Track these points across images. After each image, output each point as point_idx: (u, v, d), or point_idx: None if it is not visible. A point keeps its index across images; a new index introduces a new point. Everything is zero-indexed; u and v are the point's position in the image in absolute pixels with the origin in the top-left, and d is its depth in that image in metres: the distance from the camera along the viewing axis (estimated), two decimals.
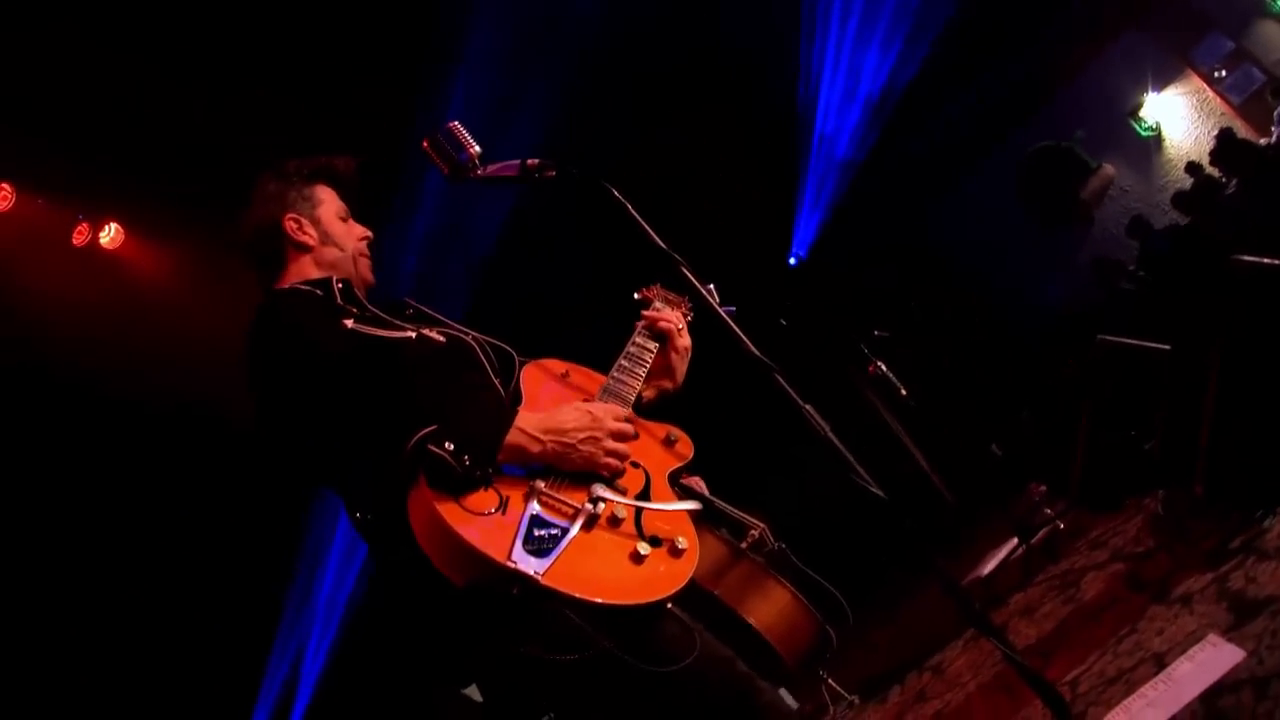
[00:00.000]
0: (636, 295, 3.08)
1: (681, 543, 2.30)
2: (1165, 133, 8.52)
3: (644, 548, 2.22)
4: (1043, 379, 7.87)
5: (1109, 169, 8.96)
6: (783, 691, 5.07)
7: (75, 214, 7.17)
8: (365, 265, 2.85)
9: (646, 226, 2.45)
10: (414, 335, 2.56)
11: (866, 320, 5.71)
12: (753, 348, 2.36)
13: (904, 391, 4.84)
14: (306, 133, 7.21)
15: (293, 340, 2.44)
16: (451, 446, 2.13)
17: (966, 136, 9.34)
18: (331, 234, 2.80)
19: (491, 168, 2.54)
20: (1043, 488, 5.37)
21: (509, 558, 2.05)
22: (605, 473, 2.33)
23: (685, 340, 2.89)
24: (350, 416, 2.27)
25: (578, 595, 2.06)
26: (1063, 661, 3.52)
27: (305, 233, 2.76)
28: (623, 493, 2.32)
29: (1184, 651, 3.07)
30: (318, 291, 2.68)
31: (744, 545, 4.70)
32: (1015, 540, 5.29)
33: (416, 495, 2.16)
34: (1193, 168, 8.19)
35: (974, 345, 8.61)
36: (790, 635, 4.55)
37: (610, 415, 2.39)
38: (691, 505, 2.43)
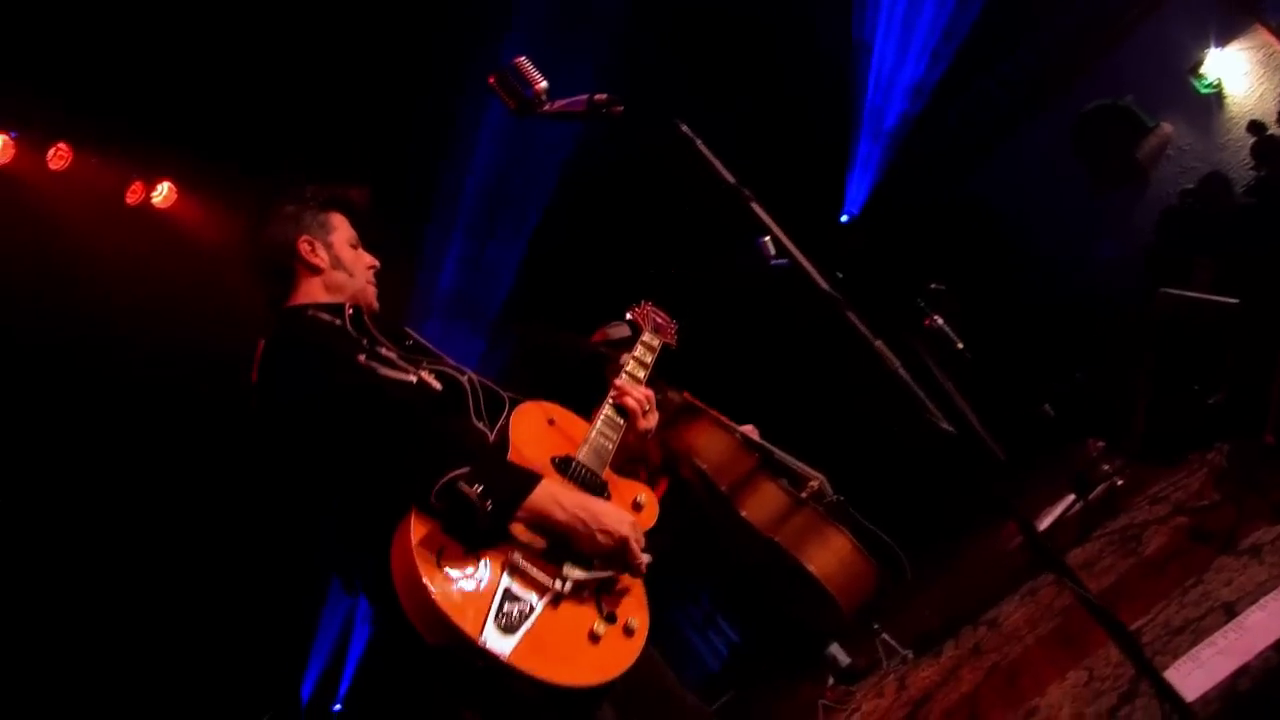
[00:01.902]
0: (628, 315, 3.17)
1: (633, 623, 2.38)
2: (1227, 90, 8.29)
3: (600, 626, 2.31)
4: (1095, 340, 7.77)
5: (1167, 127, 8.76)
6: (835, 646, 5.07)
7: (130, 173, 7.23)
8: (371, 293, 2.96)
9: (716, 162, 2.42)
10: (415, 380, 2.65)
11: (921, 276, 5.64)
12: (822, 281, 2.32)
13: (960, 345, 4.79)
14: (360, 82, 7.23)
15: (316, 368, 2.54)
16: (480, 489, 2.21)
17: (1020, 94, 9.18)
18: (342, 259, 2.90)
19: (558, 103, 2.52)
20: (1101, 444, 5.30)
21: (480, 636, 2.14)
22: (616, 560, 2.39)
23: (646, 424, 2.90)
24: (375, 449, 2.36)
25: (538, 676, 2.16)
26: (1125, 614, 3.48)
27: (318, 255, 2.86)
28: (589, 568, 2.37)
29: (1255, 601, 3.03)
30: (336, 321, 2.76)
31: (803, 495, 4.69)
32: (1072, 497, 5.24)
33: (400, 548, 2.23)
34: (1255, 126, 7.99)
35: (1025, 306, 8.51)
36: (849, 584, 4.54)
37: (638, 534, 2.46)
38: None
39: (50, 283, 6.73)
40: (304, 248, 2.84)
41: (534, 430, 2.66)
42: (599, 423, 2.75)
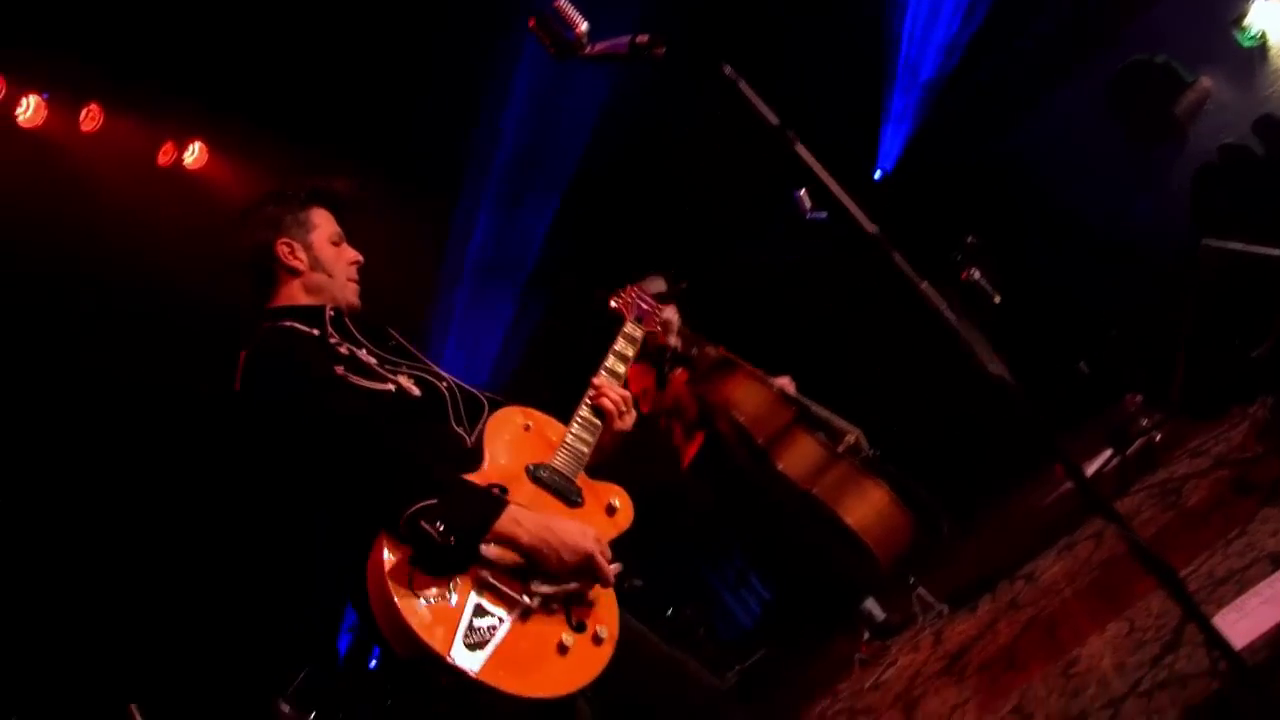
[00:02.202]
0: (612, 303, 3.16)
1: (602, 631, 2.43)
2: (1271, 42, 8.13)
3: (568, 638, 2.37)
4: (1131, 297, 7.68)
5: (1206, 82, 8.61)
6: (870, 601, 5.07)
7: (161, 134, 7.25)
8: (352, 290, 2.99)
9: (760, 104, 2.39)
10: (393, 389, 2.71)
11: (955, 232, 5.58)
12: (867, 222, 2.30)
13: (997, 298, 4.75)
14: (392, 39, 7.20)
15: (293, 385, 2.59)
16: (442, 527, 2.27)
17: (1056, 50, 9.04)
18: (321, 260, 2.93)
19: (599, 45, 2.49)
20: (1139, 398, 5.25)
21: (449, 654, 2.21)
22: (573, 582, 2.42)
23: (623, 424, 2.90)
24: (347, 472, 2.44)
25: (505, 690, 2.24)
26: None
27: (296, 257, 2.89)
28: (556, 581, 2.41)
29: None
30: (314, 331, 2.80)
31: (840, 449, 4.68)
32: (1109, 452, 5.20)
33: (373, 565, 2.30)
34: None
35: (1059, 264, 8.42)
36: (886, 536, 4.55)
37: (605, 553, 2.48)
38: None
39: (83, 243, 6.77)
40: (282, 250, 2.88)
41: (510, 437, 2.72)
42: (574, 426, 2.78)
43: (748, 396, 4.80)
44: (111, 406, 6.97)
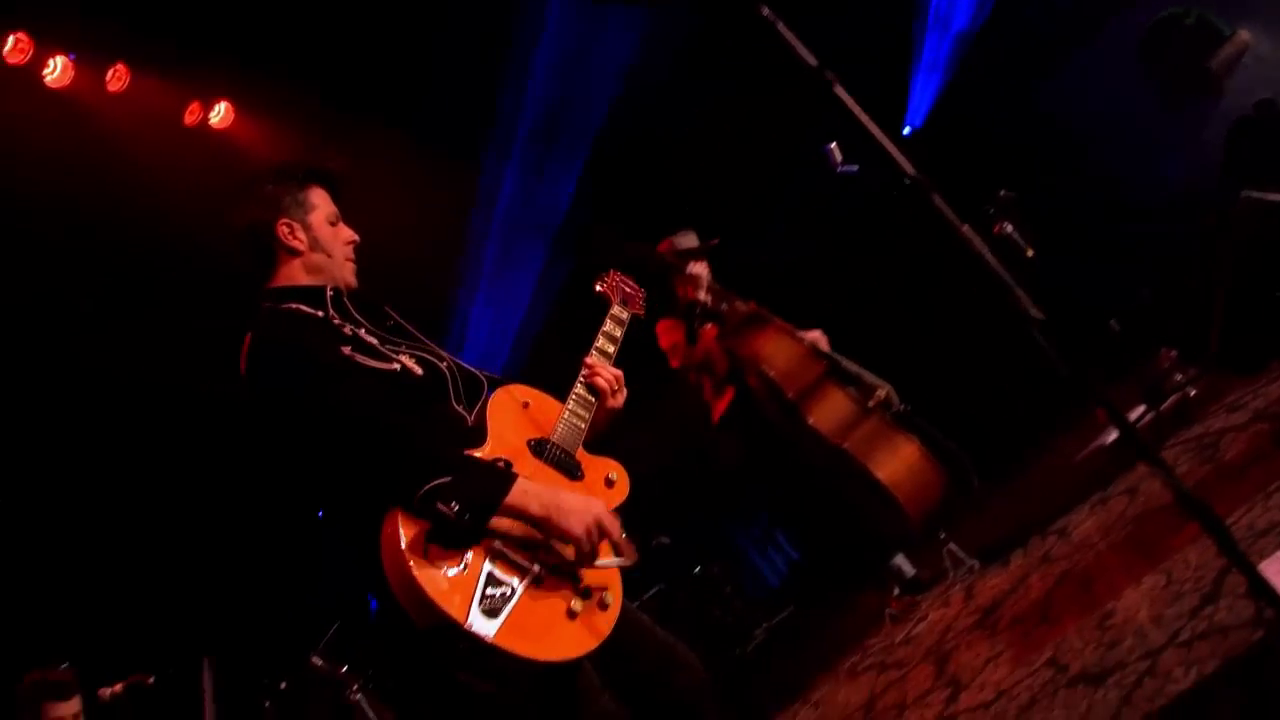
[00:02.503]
0: (597, 287, 3.20)
1: (608, 598, 2.58)
2: None
3: (577, 604, 2.51)
4: (1164, 255, 7.59)
5: (1244, 35, 8.47)
6: (900, 557, 5.06)
7: (187, 94, 7.24)
8: (350, 270, 3.03)
9: (799, 45, 2.35)
10: (398, 368, 2.78)
11: (985, 188, 5.52)
12: (908, 164, 2.26)
13: (1030, 252, 4.69)
14: None
15: (301, 367, 2.65)
16: (456, 505, 2.37)
17: (1087, 3, 8.90)
18: (320, 240, 2.96)
19: None
20: (1173, 353, 5.20)
21: (466, 620, 2.33)
22: (583, 547, 2.53)
23: (615, 402, 2.99)
24: (359, 453, 2.51)
25: (521, 654, 2.37)
26: None
27: (296, 238, 2.93)
28: (565, 551, 2.54)
29: None
30: (319, 312, 2.85)
31: (871, 404, 4.65)
32: (1143, 408, 5.15)
33: (389, 541, 2.40)
34: None
35: (1092, 222, 8.32)
36: (917, 491, 4.53)
37: (610, 520, 2.58)
38: (624, 562, 2.66)
39: (109, 203, 6.78)
40: (283, 230, 2.92)
41: (510, 414, 2.82)
42: (571, 403, 2.88)
43: (778, 351, 4.78)
44: (138, 368, 7.00)
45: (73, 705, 4.78)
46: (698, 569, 6.60)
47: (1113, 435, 5.34)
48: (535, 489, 2.52)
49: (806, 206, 7.26)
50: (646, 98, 7.86)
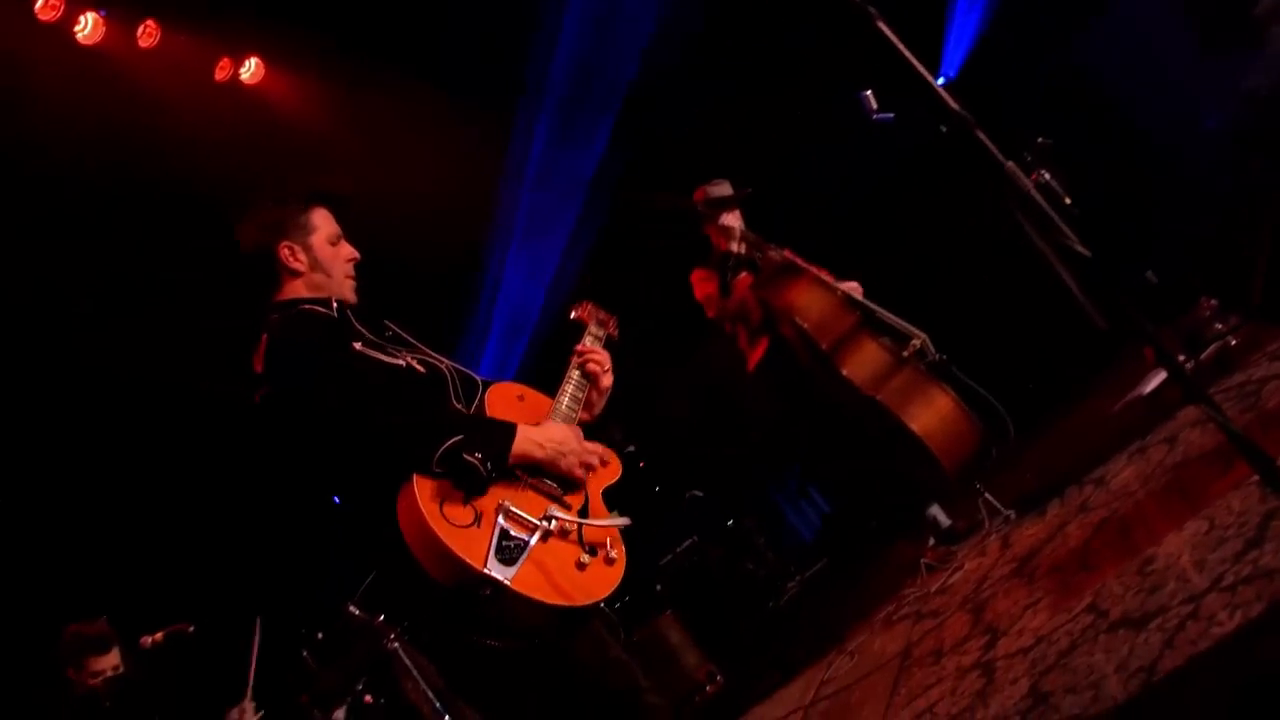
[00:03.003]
0: (572, 315, 3.48)
1: (613, 554, 2.82)
2: None
3: (585, 557, 2.74)
4: (1201, 207, 7.48)
5: None
6: (935, 507, 5.05)
7: (218, 50, 7.24)
8: (349, 287, 3.19)
9: None
10: (404, 364, 3.02)
11: (1021, 137, 5.44)
12: (950, 100, 2.23)
13: (1068, 200, 4.62)
14: None
15: (320, 354, 2.90)
16: (480, 455, 2.62)
17: None
18: (321, 260, 3.13)
19: None
20: (1214, 302, 5.12)
21: (485, 566, 2.54)
22: (578, 475, 2.87)
23: (607, 381, 3.28)
24: (377, 424, 2.73)
25: (536, 598, 2.59)
26: (1245, 466, 3.39)
27: (297, 259, 3.11)
28: (569, 510, 2.81)
29: None
30: (331, 315, 3.09)
31: (905, 354, 4.62)
32: (1181, 357, 5.09)
33: (408, 504, 2.61)
34: None
35: (1128, 176, 8.20)
36: (952, 442, 4.50)
37: (578, 438, 2.94)
38: (622, 521, 2.90)
39: (141, 159, 6.81)
40: (284, 253, 3.09)
41: (507, 406, 3.07)
42: (566, 387, 3.16)
43: (812, 301, 4.75)
44: (170, 324, 7.03)
45: (112, 658, 4.87)
46: (731, 522, 6.62)
47: (1150, 385, 5.29)
48: (534, 433, 2.82)
49: (841, 155, 7.18)
50: (678, 50, 7.78)
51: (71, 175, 6.40)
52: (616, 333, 3.48)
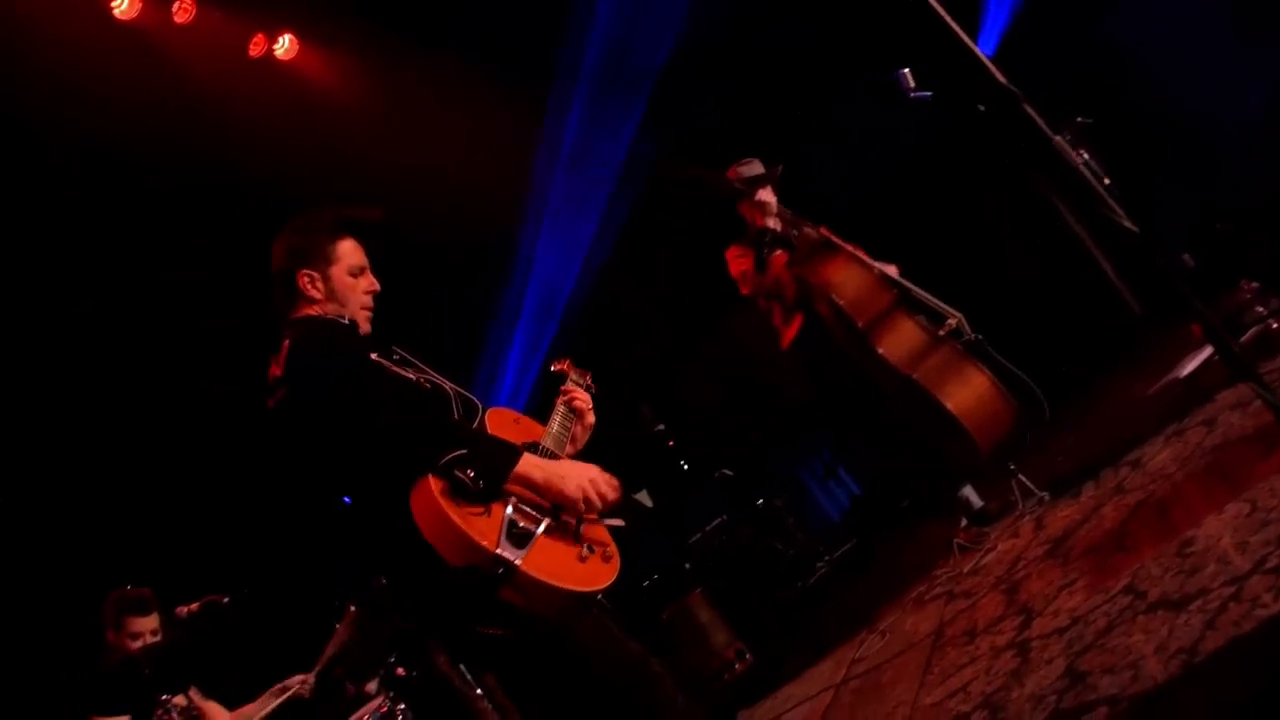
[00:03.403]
0: (553, 368, 3.68)
1: (609, 552, 2.97)
2: None
3: (584, 552, 2.89)
4: (1240, 185, 7.38)
5: None
6: (968, 488, 5.02)
7: (252, 25, 7.26)
8: (364, 318, 3.34)
9: None
10: (413, 378, 3.16)
11: (1057, 116, 5.38)
12: (998, 74, 2.20)
13: (1107, 180, 4.57)
14: None
15: (339, 359, 3.04)
16: (472, 473, 2.75)
17: None
18: (337, 291, 3.26)
19: None
20: (1254, 285, 5.07)
21: (497, 547, 2.68)
22: (571, 498, 2.92)
23: (590, 419, 3.47)
24: (389, 427, 2.85)
25: (545, 580, 2.73)
26: None
27: (315, 288, 3.24)
28: (569, 510, 2.94)
29: None
30: (347, 323, 3.26)
31: (941, 333, 4.59)
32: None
33: (423, 494, 2.75)
34: None
35: (1164, 154, 8.09)
36: (987, 422, 4.47)
37: (605, 480, 2.98)
38: (616, 522, 3.05)
39: (178, 134, 6.84)
40: (303, 281, 3.23)
41: (504, 427, 3.23)
42: (557, 416, 3.39)
43: (848, 278, 4.73)
44: (205, 297, 7.07)
45: (151, 621, 4.95)
46: (760, 501, 6.61)
47: (1188, 368, 5.24)
48: (538, 461, 2.95)
49: (875, 136, 7.12)
50: (710, 31, 7.73)
51: (107, 149, 6.43)
52: (594, 386, 3.65)
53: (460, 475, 2.74)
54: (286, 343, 3.06)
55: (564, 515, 2.92)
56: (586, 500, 2.93)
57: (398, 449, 2.83)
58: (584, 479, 2.95)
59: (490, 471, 2.81)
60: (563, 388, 3.51)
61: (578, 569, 2.85)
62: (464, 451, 2.79)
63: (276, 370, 3.05)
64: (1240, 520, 3.11)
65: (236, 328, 6.38)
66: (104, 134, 6.36)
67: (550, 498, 2.90)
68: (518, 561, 2.70)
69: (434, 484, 2.75)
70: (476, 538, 2.68)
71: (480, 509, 2.77)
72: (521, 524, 2.80)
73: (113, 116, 6.36)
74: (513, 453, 2.92)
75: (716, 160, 5.34)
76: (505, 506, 2.80)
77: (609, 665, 3.00)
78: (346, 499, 3.12)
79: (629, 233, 8.04)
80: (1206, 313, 2.13)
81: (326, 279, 3.25)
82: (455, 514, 2.71)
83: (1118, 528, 3.82)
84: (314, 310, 3.24)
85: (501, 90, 7.42)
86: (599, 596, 2.91)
